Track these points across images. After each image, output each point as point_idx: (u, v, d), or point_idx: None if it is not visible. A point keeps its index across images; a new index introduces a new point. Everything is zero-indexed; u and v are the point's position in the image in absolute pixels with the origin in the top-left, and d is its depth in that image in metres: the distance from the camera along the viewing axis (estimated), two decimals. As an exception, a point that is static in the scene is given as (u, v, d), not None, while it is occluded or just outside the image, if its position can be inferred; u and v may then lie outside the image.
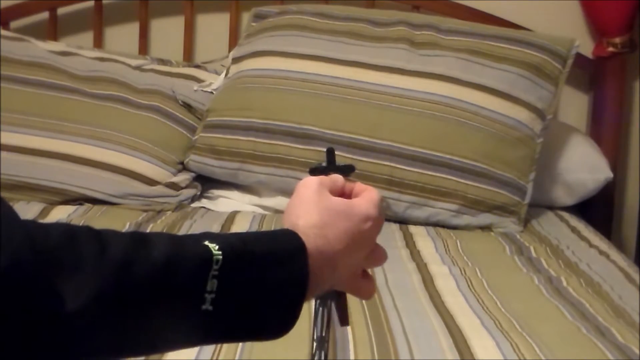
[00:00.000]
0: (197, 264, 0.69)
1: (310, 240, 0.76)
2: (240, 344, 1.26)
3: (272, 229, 2.02)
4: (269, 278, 0.73)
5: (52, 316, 0.61)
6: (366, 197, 0.84)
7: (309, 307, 1.43)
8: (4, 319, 0.58)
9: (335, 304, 0.86)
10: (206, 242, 0.71)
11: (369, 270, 0.88)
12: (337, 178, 0.85)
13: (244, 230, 1.91)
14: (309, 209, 0.79)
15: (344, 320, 0.88)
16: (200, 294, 0.69)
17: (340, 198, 0.83)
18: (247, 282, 0.72)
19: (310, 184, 0.82)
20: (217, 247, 0.70)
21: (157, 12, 2.58)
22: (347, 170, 0.89)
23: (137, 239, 0.68)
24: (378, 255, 0.86)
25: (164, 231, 1.87)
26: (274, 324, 0.75)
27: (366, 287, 0.87)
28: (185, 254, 0.69)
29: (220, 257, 0.70)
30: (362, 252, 0.82)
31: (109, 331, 0.65)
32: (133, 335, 0.67)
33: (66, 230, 0.65)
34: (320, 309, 0.86)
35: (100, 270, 0.64)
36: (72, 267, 0.63)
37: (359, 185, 0.87)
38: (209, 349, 1.23)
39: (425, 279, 1.62)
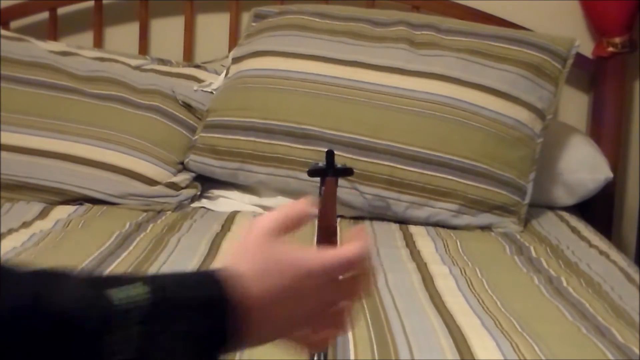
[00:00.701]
0: (96, 319, 0.66)
1: (241, 288, 0.71)
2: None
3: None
4: (183, 329, 0.69)
5: None
6: (332, 255, 0.77)
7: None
8: None
9: None
10: (111, 291, 0.67)
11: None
12: (295, 213, 0.78)
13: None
14: (252, 253, 0.74)
15: None
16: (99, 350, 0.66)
17: (289, 248, 0.76)
18: (161, 334, 0.68)
19: (261, 226, 0.76)
20: (122, 297, 0.67)
21: (157, 12, 2.58)
22: (345, 173, 0.89)
23: (33, 300, 0.65)
24: (336, 322, 0.78)
25: (164, 231, 1.87)
26: None
27: (318, 341, 0.80)
28: (84, 308, 0.66)
29: (147, 299, 0.67)
30: (305, 308, 0.76)
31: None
32: None
33: None
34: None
35: None
36: None
37: (354, 236, 0.79)
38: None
39: (425, 279, 1.62)
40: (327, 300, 0.77)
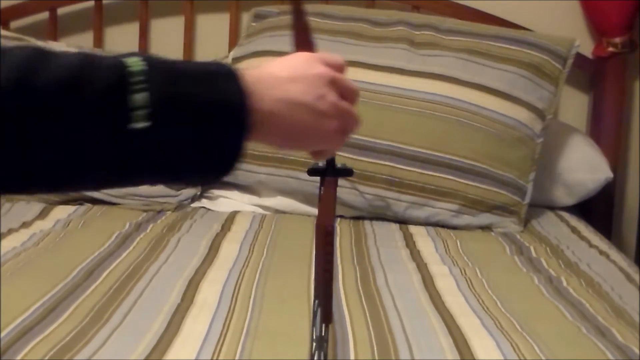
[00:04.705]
0: (112, 74, 0.64)
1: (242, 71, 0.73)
2: (241, 343, 1.26)
3: (272, 228, 2.01)
4: (203, 91, 0.68)
5: None
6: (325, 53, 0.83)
7: (308, 307, 1.43)
8: None
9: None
10: (124, 59, 0.67)
11: None
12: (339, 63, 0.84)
13: (244, 230, 1.92)
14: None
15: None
16: (123, 109, 0.64)
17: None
18: (180, 96, 0.67)
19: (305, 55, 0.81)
20: (140, 59, 0.66)
21: (157, 12, 2.58)
22: (345, 173, 0.89)
23: (40, 49, 0.64)
24: (348, 117, 0.82)
25: (164, 231, 1.87)
26: (217, 146, 0.69)
27: (323, 150, 0.84)
28: (99, 63, 0.65)
29: (145, 67, 0.65)
30: (310, 93, 0.78)
31: (11, 129, 0.61)
32: (41, 155, 0.62)
33: None
34: (319, 308, 0.85)
35: (1, 64, 0.61)
36: None
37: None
38: (208, 349, 1.23)
39: (425, 279, 1.62)
40: (325, 98, 0.80)
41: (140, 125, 0.64)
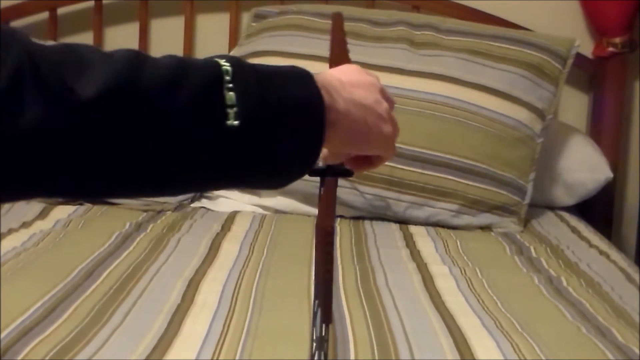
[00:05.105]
0: (209, 72, 0.66)
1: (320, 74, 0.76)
2: (241, 343, 1.26)
3: (272, 228, 2.01)
4: (285, 90, 0.70)
5: (65, 106, 0.59)
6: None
7: (308, 307, 1.43)
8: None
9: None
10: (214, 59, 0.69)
11: None
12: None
13: (244, 230, 1.92)
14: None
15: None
16: (220, 107, 0.65)
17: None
18: (265, 95, 0.68)
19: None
20: (223, 60, 0.68)
21: (157, 12, 2.58)
22: (345, 174, 0.89)
23: (138, 51, 0.67)
24: (388, 142, 0.84)
25: (164, 231, 1.87)
26: (300, 144, 0.71)
27: (375, 161, 0.86)
28: (194, 63, 0.67)
29: (230, 68, 0.67)
30: (368, 97, 0.81)
31: (123, 130, 0.62)
32: (149, 148, 0.63)
33: (65, 44, 0.64)
34: (319, 308, 0.85)
35: (108, 67, 0.63)
36: (77, 66, 0.62)
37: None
38: (208, 349, 1.23)
39: (425, 279, 1.62)
40: (382, 103, 0.82)
41: (234, 122, 0.66)
